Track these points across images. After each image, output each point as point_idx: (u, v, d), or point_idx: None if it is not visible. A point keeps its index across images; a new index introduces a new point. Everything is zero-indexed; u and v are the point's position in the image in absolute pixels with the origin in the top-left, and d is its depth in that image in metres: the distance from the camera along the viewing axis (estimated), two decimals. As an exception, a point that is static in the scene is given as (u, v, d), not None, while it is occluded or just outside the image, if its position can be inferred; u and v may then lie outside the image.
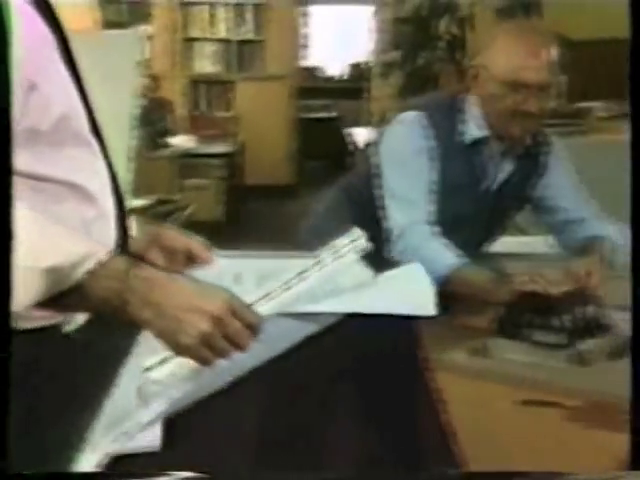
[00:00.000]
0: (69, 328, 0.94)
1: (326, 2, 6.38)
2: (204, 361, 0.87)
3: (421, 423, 1.20)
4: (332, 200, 1.81)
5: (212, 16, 6.37)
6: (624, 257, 1.61)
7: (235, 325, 0.86)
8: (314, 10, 6.72)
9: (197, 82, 6.34)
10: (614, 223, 1.68)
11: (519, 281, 1.41)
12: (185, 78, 6.30)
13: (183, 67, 6.31)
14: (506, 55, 1.54)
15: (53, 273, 0.84)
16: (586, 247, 1.62)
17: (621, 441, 1.11)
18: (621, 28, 3.42)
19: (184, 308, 0.85)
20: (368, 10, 6.42)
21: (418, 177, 1.58)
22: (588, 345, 1.31)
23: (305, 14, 6.67)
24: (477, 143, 1.63)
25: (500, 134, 1.61)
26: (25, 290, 0.82)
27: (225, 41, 6.37)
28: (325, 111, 7.19)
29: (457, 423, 1.16)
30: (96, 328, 0.95)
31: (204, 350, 0.86)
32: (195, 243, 1.10)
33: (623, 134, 3.25)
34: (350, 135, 5.32)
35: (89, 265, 0.85)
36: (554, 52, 1.56)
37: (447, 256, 1.48)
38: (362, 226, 1.02)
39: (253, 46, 6.39)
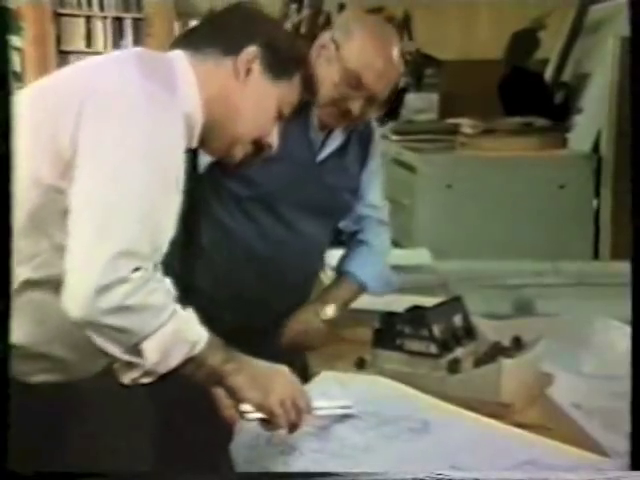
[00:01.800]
0: None
1: (208, 17, 6.42)
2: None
3: None
4: None
5: (89, 29, 6.23)
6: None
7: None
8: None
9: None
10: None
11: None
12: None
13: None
14: (363, 47, 1.48)
15: (189, 344, 1.05)
16: (336, 281, 1.67)
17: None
18: (486, 50, 3.62)
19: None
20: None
21: None
22: (457, 353, 1.37)
23: (186, 29, 6.67)
24: (306, 108, 1.51)
25: (319, 117, 1.54)
26: (173, 355, 1.03)
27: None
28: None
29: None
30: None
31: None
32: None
33: (489, 150, 3.42)
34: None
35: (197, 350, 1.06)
36: (401, 70, 1.55)
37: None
38: None
39: (134, 60, 6.28)
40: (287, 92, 1.18)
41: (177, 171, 1.06)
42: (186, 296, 1.14)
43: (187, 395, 1.18)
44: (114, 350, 1.01)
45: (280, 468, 1.10)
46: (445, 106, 3.31)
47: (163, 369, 1.03)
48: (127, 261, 0.98)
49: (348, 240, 1.72)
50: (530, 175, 2.89)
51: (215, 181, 1.46)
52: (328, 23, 3.90)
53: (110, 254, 0.98)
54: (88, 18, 6.22)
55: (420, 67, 3.60)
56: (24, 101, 1.05)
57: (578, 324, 1.53)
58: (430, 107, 3.32)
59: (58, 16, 6.15)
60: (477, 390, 1.27)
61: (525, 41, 3.26)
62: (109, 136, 1.02)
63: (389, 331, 1.41)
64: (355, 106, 1.50)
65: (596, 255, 2.85)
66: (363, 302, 1.69)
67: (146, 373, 1.04)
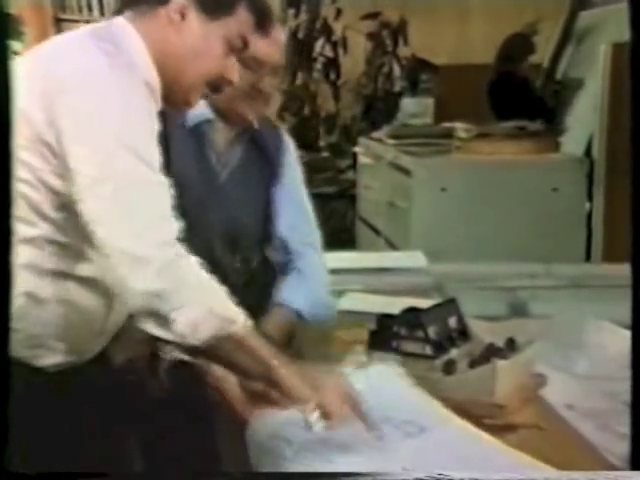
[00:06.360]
0: None
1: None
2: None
3: None
4: None
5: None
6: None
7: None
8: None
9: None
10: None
11: None
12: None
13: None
14: None
15: (220, 320, 1.06)
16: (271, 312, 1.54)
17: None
18: (480, 55, 3.66)
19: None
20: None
21: None
22: (452, 355, 1.38)
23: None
24: (200, 126, 1.48)
25: (229, 116, 1.49)
26: (202, 328, 1.04)
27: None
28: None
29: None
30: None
31: None
32: None
33: (483, 154, 3.44)
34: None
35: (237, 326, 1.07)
36: (284, 35, 1.52)
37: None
38: None
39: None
40: (233, 26, 1.16)
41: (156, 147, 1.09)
42: None
43: (196, 392, 1.20)
44: (147, 325, 1.05)
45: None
46: (440, 110, 3.34)
47: (194, 341, 1.05)
48: (158, 239, 1.05)
49: (281, 271, 1.61)
50: (523, 178, 2.92)
51: None
52: (326, 29, 3.92)
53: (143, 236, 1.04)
54: (88, 23, 6.22)
55: (415, 72, 3.62)
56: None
57: (571, 326, 1.55)
58: (425, 111, 3.35)
59: (59, 21, 6.15)
60: (472, 391, 1.28)
61: (519, 46, 3.29)
62: (89, 121, 1.04)
63: (385, 333, 1.42)
64: (267, 83, 1.46)
65: (588, 257, 2.88)
66: (358, 304, 1.71)
67: (179, 347, 1.08)
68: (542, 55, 3.32)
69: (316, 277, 1.61)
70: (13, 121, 0.86)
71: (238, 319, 1.07)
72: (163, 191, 1.08)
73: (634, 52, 0.88)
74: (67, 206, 1.09)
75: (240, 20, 1.17)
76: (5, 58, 0.85)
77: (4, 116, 0.85)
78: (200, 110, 1.45)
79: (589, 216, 2.91)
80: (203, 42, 1.15)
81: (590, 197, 2.92)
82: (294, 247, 1.60)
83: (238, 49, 1.19)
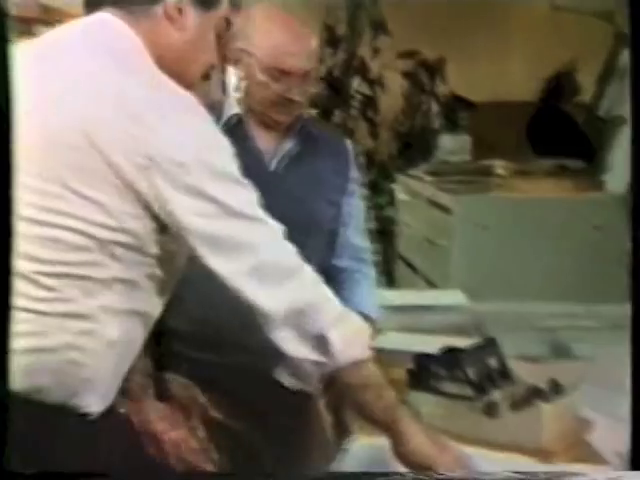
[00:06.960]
0: None
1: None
2: None
3: None
4: None
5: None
6: None
7: None
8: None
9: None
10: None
11: None
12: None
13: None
14: (268, 40, 1.48)
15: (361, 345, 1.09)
16: None
17: None
18: (518, 92, 3.64)
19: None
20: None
21: None
22: (493, 396, 1.35)
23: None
24: (231, 120, 1.51)
25: (263, 120, 1.53)
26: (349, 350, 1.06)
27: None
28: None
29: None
30: None
31: None
32: None
33: (523, 192, 3.40)
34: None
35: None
36: (314, 40, 1.53)
37: None
38: None
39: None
40: (219, 20, 1.16)
41: None
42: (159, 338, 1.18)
43: None
44: (290, 346, 1.04)
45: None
46: (478, 148, 3.33)
47: (337, 363, 1.04)
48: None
49: (345, 276, 1.63)
50: (565, 216, 2.88)
51: None
52: (362, 68, 3.95)
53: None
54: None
55: (453, 109, 3.63)
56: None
57: (615, 368, 1.51)
58: (463, 148, 3.34)
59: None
60: (516, 435, 1.25)
61: (564, 85, 3.27)
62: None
63: (423, 373, 1.40)
64: (294, 93, 1.48)
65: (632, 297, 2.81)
66: (397, 342, 1.69)
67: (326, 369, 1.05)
68: (584, 92, 3.30)
69: (375, 282, 1.66)
70: (13, 124, 0.85)
71: (369, 348, 1.09)
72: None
73: (634, 57, 0.88)
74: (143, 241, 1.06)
75: (222, 14, 1.16)
76: (5, 60, 0.84)
77: (4, 117, 0.83)
78: (233, 107, 1.50)
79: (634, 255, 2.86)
80: (201, 35, 1.13)
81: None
82: (362, 255, 1.64)
83: (223, 31, 1.17)
